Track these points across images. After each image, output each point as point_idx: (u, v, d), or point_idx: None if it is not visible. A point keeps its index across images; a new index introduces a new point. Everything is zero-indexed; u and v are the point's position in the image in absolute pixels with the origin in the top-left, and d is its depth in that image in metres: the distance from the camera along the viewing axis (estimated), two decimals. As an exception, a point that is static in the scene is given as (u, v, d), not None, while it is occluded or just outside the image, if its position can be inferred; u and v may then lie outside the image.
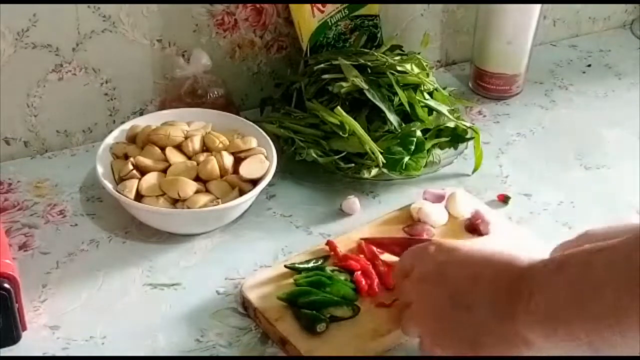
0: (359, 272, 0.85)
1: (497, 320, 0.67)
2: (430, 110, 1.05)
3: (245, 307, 0.85)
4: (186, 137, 0.96)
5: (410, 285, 0.76)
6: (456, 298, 0.71)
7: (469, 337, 0.70)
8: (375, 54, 1.08)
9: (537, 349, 0.66)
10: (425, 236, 0.91)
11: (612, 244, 0.61)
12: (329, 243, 0.90)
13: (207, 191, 0.92)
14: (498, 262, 0.70)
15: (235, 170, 0.94)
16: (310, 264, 0.87)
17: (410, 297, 0.76)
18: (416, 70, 1.07)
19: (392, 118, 1.02)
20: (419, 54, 1.12)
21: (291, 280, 0.85)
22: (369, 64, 1.05)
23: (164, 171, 0.93)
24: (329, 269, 0.86)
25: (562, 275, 0.63)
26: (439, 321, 0.72)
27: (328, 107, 1.02)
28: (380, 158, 0.98)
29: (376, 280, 0.85)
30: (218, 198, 0.91)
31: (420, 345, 0.75)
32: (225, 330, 0.83)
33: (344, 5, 1.12)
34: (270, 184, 0.95)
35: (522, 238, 0.93)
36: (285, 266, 0.87)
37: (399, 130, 1.01)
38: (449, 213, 0.95)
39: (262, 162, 0.95)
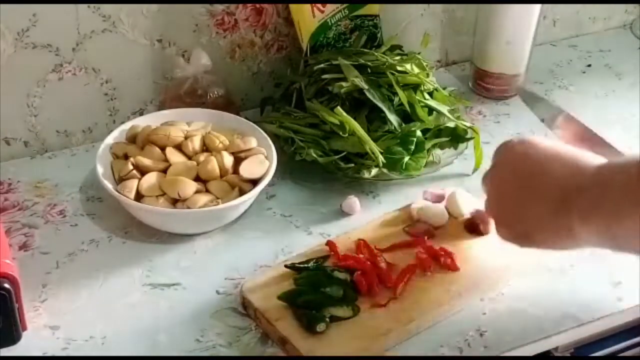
0: (359, 272, 0.85)
1: (553, 211, 0.74)
2: (430, 110, 1.05)
3: (245, 307, 0.85)
4: (186, 137, 0.96)
5: (489, 172, 0.83)
6: (522, 186, 0.77)
7: (525, 225, 0.77)
8: (375, 54, 1.08)
9: (578, 240, 0.73)
10: (426, 238, 0.91)
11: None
12: (328, 243, 0.90)
13: (207, 191, 0.92)
14: (564, 162, 0.76)
15: (235, 170, 0.94)
16: (310, 264, 0.87)
17: (490, 184, 0.82)
18: (416, 70, 1.07)
19: (392, 118, 1.02)
20: (419, 54, 1.12)
21: (291, 280, 0.85)
22: (369, 64, 1.05)
23: (164, 171, 0.93)
24: (328, 269, 0.86)
25: (605, 178, 0.71)
26: (504, 205, 0.80)
27: (328, 107, 1.02)
28: (380, 158, 0.98)
29: (376, 280, 0.85)
30: (218, 198, 0.91)
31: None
32: (225, 330, 0.83)
33: (344, 5, 1.12)
34: (270, 184, 0.95)
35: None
36: (286, 266, 0.87)
37: (399, 130, 1.01)
38: (449, 213, 0.95)
39: (262, 162, 0.95)
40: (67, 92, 1.05)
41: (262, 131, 0.99)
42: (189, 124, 1.00)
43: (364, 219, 0.97)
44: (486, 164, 1.06)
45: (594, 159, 0.75)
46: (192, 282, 0.89)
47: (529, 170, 0.77)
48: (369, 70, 1.05)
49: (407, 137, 1.00)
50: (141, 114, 1.09)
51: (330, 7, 1.12)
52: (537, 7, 1.15)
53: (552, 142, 0.80)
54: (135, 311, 0.85)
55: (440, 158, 1.05)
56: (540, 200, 0.75)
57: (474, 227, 0.93)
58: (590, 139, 0.91)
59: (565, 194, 0.73)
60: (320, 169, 1.01)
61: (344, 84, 1.02)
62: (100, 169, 0.93)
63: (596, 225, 0.70)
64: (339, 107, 1.00)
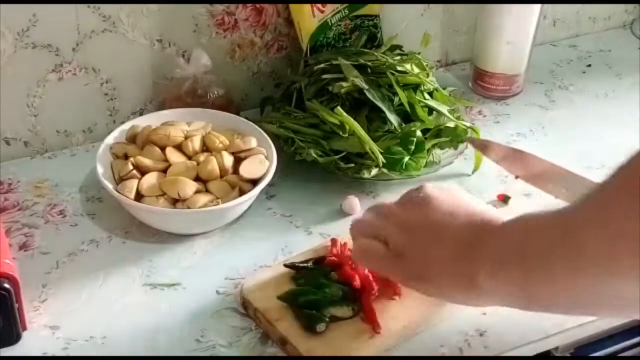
0: (357, 282, 0.84)
1: (454, 256, 0.71)
2: (430, 110, 1.05)
3: (245, 307, 0.85)
4: (186, 137, 0.96)
5: (391, 205, 0.79)
6: (433, 222, 0.74)
7: (423, 269, 0.73)
8: (375, 54, 1.08)
9: (480, 290, 0.69)
10: None
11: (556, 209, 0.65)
12: (332, 241, 0.89)
13: (207, 191, 0.92)
14: (473, 210, 0.73)
15: (235, 170, 0.94)
16: (310, 264, 0.87)
17: (384, 231, 0.77)
18: (416, 70, 1.07)
19: (392, 118, 1.02)
20: (419, 54, 1.12)
21: (291, 280, 0.85)
22: (369, 64, 1.05)
23: (164, 171, 0.93)
24: (328, 269, 0.86)
25: (513, 225, 0.68)
26: (410, 235, 0.75)
27: (328, 107, 1.02)
28: (380, 158, 0.98)
29: (376, 288, 0.84)
30: (218, 198, 0.91)
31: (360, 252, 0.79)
32: (225, 330, 0.83)
33: (344, 5, 1.12)
34: (270, 184, 0.95)
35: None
36: (285, 266, 0.87)
37: (399, 130, 1.01)
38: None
39: (262, 162, 0.95)
40: (67, 92, 1.05)
41: (262, 131, 0.99)
42: (189, 124, 1.00)
43: (364, 219, 0.96)
44: (485, 165, 1.06)
45: (501, 215, 0.72)
46: (192, 282, 0.89)
47: (445, 208, 0.74)
48: (369, 70, 1.05)
49: (407, 137, 1.00)
50: (141, 114, 1.09)
51: (330, 7, 1.12)
52: (537, 7, 1.15)
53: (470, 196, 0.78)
54: (135, 311, 0.85)
55: (440, 158, 1.05)
56: (445, 243, 0.72)
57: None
58: (551, 173, 0.90)
59: (471, 240, 0.70)
60: (320, 169, 1.01)
61: (344, 84, 1.02)
62: (100, 169, 0.93)
63: (507, 278, 0.66)
64: (339, 107, 1.00)
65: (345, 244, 0.88)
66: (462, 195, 0.77)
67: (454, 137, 1.05)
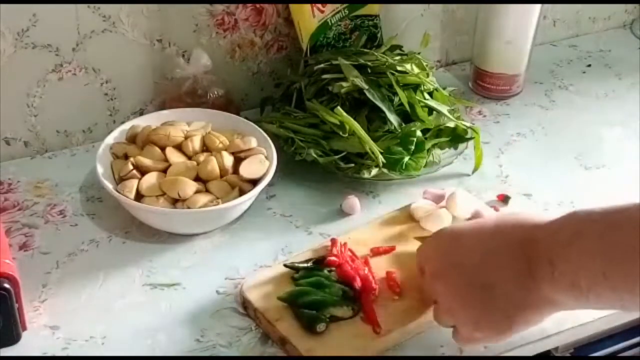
0: (358, 282, 0.84)
1: (524, 291, 0.68)
2: (430, 110, 1.05)
3: (245, 307, 0.85)
4: (186, 137, 0.96)
5: (428, 284, 0.77)
6: (475, 282, 0.71)
7: (503, 315, 0.70)
8: (375, 54, 1.08)
9: (568, 307, 0.68)
10: None
11: (625, 206, 0.62)
12: (332, 242, 0.89)
13: (207, 191, 0.92)
14: (505, 232, 0.70)
15: (235, 170, 0.94)
16: (310, 264, 0.87)
17: (433, 294, 0.76)
18: (416, 70, 1.07)
19: (392, 118, 1.02)
20: (419, 54, 1.12)
21: (291, 280, 0.85)
22: (369, 64, 1.05)
23: (164, 171, 0.93)
24: (328, 269, 0.86)
25: (581, 243, 0.64)
26: (468, 309, 0.72)
27: (328, 107, 1.02)
28: (380, 158, 0.98)
29: (376, 288, 0.84)
30: (218, 198, 0.91)
31: (457, 337, 0.76)
32: (225, 330, 0.83)
33: (344, 5, 1.12)
34: (270, 184, 0.95)
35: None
36: (285, 266, 0.87)
37: (399, 130, 1.01)
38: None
39: (262, 162, 0.95)
40: (67, 92, 1.05)
41: (262, 131, 0.99)
42: (189, 124, 1.00)
43: (364, 219, 0.96)
44: (485, 165, 1.06)
45: (535, 220, 0.69)
46: (192, 282, 0.89)
47: (473, 257, 0.71)
48: (369, 70, 1.05)
49: (407, 137, 1.00)
50: (141, 114, 1.09)
51: (330, 7, 1.11)
52: (537, 7, 1.15)
53: (466, 222, 0.75)
54: (135, 311, 0.85)
55: (440, 158, 1.05)
56: (505, 284, 0.69)
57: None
58: None
59: (530, 269, 0.67)
60: (320, 169, 1.01)
61: (344, 84, 1.02)
62: (100, 169, 0.93)
63: (571, 283, 0.64)
64: (339, 107, 1.00)
65: (345, 244, 0.88)
66: (465, 225, 0.74)
67: (454, 137, 1.05)
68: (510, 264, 0.69)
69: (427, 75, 1.08)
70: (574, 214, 0.67)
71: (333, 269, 0.85)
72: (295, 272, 0.86)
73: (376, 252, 0.89)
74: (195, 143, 0.95)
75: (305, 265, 0.87)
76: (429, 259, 0.77)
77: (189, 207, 0.89)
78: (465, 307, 0.73)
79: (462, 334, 0.75)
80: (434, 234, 0.79)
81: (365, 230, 0.93)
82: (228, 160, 0.94)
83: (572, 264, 0.64)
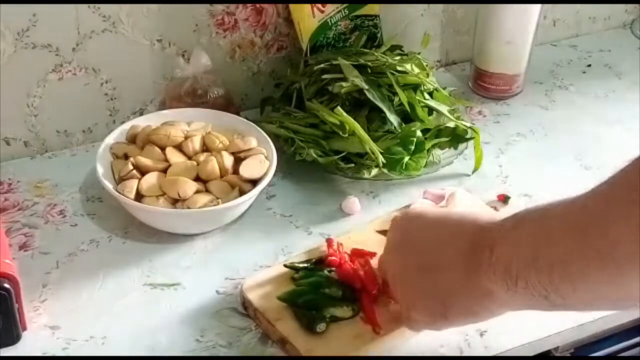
0: (357, 282, 0.84)
1: (462, 278, 0.69)
2: (430, 110, 1.05)
3: (245, 307, 0.85)
4: (186, 137, 0.96)
5: (383, 256, 0.79)
6: (423, 262, 0.73)
7: (438, 299, 0.71)
8: (375, 54, 1.08)
9: (500, 301, 0.67)
10: None
11: (568, 198, 0.63)
12: (328, 241, 0.89)
13: (207, 191, 0.92)
14: (460, 222, 0.72)
15: (235, 170, 0.94)
16: (310, 264, 0.87)
17: (386, 267, 0.79)
18: (416, 70, 1.07)
19: (392, 118, 1.02)
20: (419, 54, 1.12)
21: (291, 280, 0.85)
22: (369, 64, 1.05)
23: (164, 171, 0.93)
24: (328, 269, 0.85)
25: (519, 229, 0.65)
26: (408, 288, 0.75)
27: (328, 107, 1.02)
28: (380, 158, 0.98)
29: (376, 288, 0.84)
30: (218, 198, 0.91)
31: (402, 315, 0.77)
32: (225, 330, 0.83)
33: (344, 5, 1.12)
34: (270, 184, 0.95)
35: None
36: (285, 266, 0.87)
37: (399, 130, 1.01)
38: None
39: (262, 162, 0.95)
40: (67, 92, 1.05)
41: (262, 131, 0.99)
42: (189, 124, 1.00)
43: (364, 219, 0.97)
44: (485, 165, 1.06)
45: (493, 214, 0.71)
46: (192, 282, 0.89)
47: (426, 240, 0.73)
48: (369, 70, 1.05)
49: (407, 137, 1.00)
50: (141, 114, 1.09)
51: (330, 7, 1.12)
52: (537, 7, 1.15)
53: (437, 208, 0.76)
54: (135, 311, 0.85)
55: (440, 158, 1.05)
56: (447, 270, 0.70)
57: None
58: None
59: (473, 255, 0.67)
60: (320, 169, 1.01)
61: (344, 84, 1.02)
62: (100, 169, 0.93)
63: (526, 287, 0.63)
64: (339, 107, 1.00)
65: (341, 244, 0.88)
66: (432, 210, 0.76)
67: (454, 137, 1.05)
68: (456, 251, 0.70)
69: (427, 75, 1.08)
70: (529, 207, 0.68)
71: (333, 269, 0.85)
72: (295, 272, 0.86)
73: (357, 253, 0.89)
74: (195, 143, 0.95)
75: (305, 265, 0.87)
76: (392, 231, 0.79)
77: (189, 207, 0.89)
78: (406, 286, 0.75)
79: (401, 312, 0.77)
80: (404, 211, 0.80)
81: (365, 230, 0.93)
82: (228, 160, 0.94)
83: (508, 247, 0.65)
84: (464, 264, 0.69)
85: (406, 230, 0.76)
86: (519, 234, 0.65)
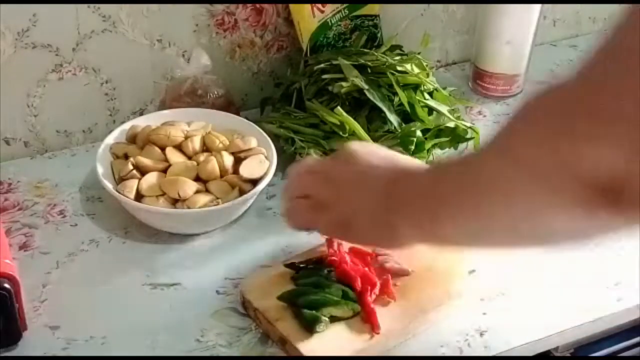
0: (358, 282, 0.84)
1: (375, 207, 0.73)
2: (430, 110, 1.05)
3: (245, 307, 0.85)
4: (186, 137, 0.96)
5: (311, 178, 0.81)
6: (353, 178, 0.76)
7: (349, 215, 0.75)
8: (375, 54, 1.08)
9: (401, 236, 0.72)
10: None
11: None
12: (328, 242, 0.89)
13: (207, 191, 0.92)
14: (396, 162, 0.76)
15: (235, 170, 0.94)
16: (310, 264, 0.87)
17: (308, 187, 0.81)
18: (416, 70, 1.07)
19: (392, 118, 1.02)
20: (419, 54, 1.12)
21: (291, 280, 0.85)
22: (369, 64, 1.05)
23: (164, 171, 0.93)
24: (328, 269, 0.85)
25: (421, 175, 0.71)
26: (334, 190, 0.77)
27: (328, 107, 1.02)
28: (380, 158, 0.98)
29: (377, 286, 0.84)
30: (218, 198, 0.91)
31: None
32: (225, 330, 0.83)
33: (344, 5, 1.12)
34: (270, 184, 0.95)
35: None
36: (285, 266, 0.87)
37: (399, 130, 1.01)
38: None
39: (262, 162, 0.95)
40: (67, 92, 1.05)
41: (262, 131, 0.99)
42: (189, 124, 1.00)
43: (364, 219, 0.96)
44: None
45: (422, 164, 0.76)
46: (192, 282, 0.89)
47: (364, 163, 0.76)
48: (369, 70, 1.05)
49: (407, 137, 1.00)
50: (141, 114, 1.09)
51: (330, 7, 1.12)
52: (537, 7, 1.15)
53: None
54: (135, 311, 0.85)
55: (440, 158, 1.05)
56: (366, 193, 0.74)
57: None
58: None
59: (389, 189, 0.72)
60: (320, 169, 1.00)
61: (344, 84, 1.02)
62: (100, 169, 0.93)
63: (413, 220, 0.70)
64: (339, 107, 1.00)
65: (341, 244, 0.88)
66: (386, 150, 0.79)
67: (454, 137, 1.05)
68: (377, 184, 0.74)
69: (427, 75, 1.08)
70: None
71: (333, 269, 0.85)
72: (295, 272, 0.86)
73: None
74: (195, 143, 0.95)
75: (305, 265, 0.87)
76: (325, 160, 0.82)
77: (189, 207, 0.89)
78: (337, 195, 0.77)
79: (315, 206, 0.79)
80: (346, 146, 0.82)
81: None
82: (228, 160, 0.94)
83: (409, 184, 0.71)
84: (381, 197, 0.72)
85: (358, 150, 0.78)
86: (421, 175, 0.71)
